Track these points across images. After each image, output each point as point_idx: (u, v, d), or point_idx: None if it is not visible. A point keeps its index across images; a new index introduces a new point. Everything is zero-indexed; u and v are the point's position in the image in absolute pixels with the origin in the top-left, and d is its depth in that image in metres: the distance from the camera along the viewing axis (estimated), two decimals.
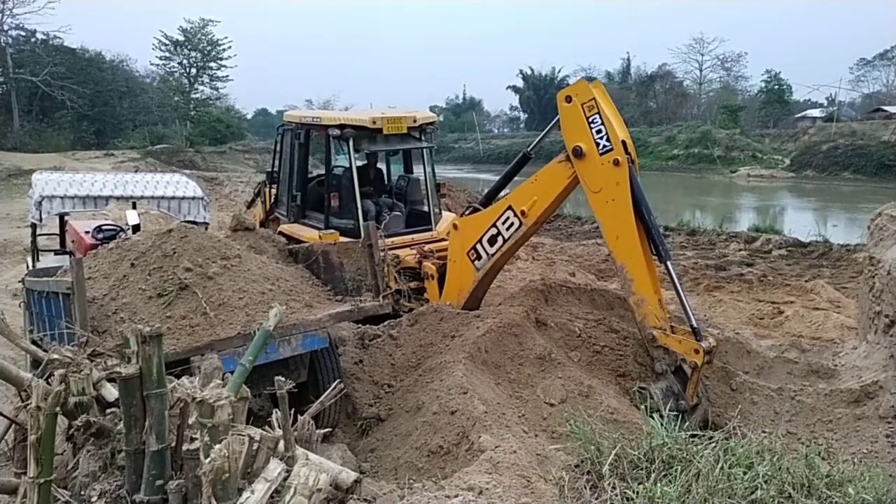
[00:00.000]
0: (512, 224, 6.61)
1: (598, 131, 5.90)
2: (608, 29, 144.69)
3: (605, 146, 5.90)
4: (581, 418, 3.24)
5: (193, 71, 50.56)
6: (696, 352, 5.56)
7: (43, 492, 2.77)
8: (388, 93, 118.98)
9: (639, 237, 5.88)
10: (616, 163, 5.86)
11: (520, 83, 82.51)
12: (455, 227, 7.31)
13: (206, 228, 6.53)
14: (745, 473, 2.68)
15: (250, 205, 12.83)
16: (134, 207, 7.28)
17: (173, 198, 7.04)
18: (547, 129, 6.98)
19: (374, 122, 8.42)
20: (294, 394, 3.98)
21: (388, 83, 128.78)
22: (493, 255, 6.82)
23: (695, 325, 5.71)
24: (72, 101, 42.28)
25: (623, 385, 6.03)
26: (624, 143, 5.91)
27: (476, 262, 6.96)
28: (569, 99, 6.12)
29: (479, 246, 6.88)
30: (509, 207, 6.62)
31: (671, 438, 2.93)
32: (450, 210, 11.36)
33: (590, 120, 5.94)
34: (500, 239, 6.72)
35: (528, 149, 7.05)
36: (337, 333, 6.17)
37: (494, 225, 6.72)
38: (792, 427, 5.89)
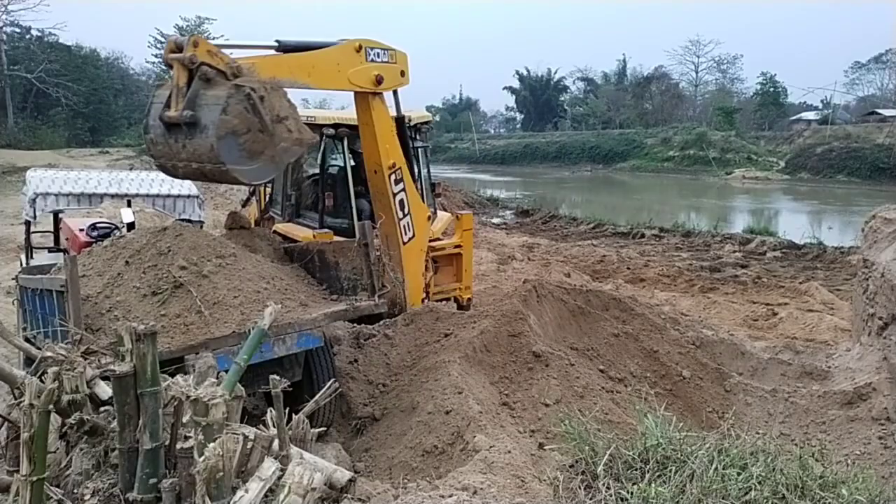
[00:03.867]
0: (396, 178, 7.17)
1: (378, 54, 6.62)
2: (605, 30, 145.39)
3: (384, 54, 6.65)
4: (576, 418, 3.25)
5: None
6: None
7: (35, 490, 2.76)
8: None
9: None
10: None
11: (516, 84, 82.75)
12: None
13: (202, 227, 6.51)
14: (739, 474, 2.69)
15: (245, 203, 12.78)
16: (129, 205, 7.26)
17: (168, 196, 7.03)
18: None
19: None
20: (289, 393, 3.99)
21: None
22: (409, 213, 7.35)
23: None
24: (66, 99, 42.15)
25: (618, 386, 6.04)
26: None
27: (405, 235, 7.39)
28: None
29: (401, 223, 7.34)
30: (388, 174, 7.11)
31: (665, 439, 2.94)
32: (445, 210, 11.35)
33: (371, 58, 6.59)
34: (402, 195, 7.23)
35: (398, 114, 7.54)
36: (332, 333, 6.15)
37: (394, 195, 7.21)
38: (785, 428, 5.91)
